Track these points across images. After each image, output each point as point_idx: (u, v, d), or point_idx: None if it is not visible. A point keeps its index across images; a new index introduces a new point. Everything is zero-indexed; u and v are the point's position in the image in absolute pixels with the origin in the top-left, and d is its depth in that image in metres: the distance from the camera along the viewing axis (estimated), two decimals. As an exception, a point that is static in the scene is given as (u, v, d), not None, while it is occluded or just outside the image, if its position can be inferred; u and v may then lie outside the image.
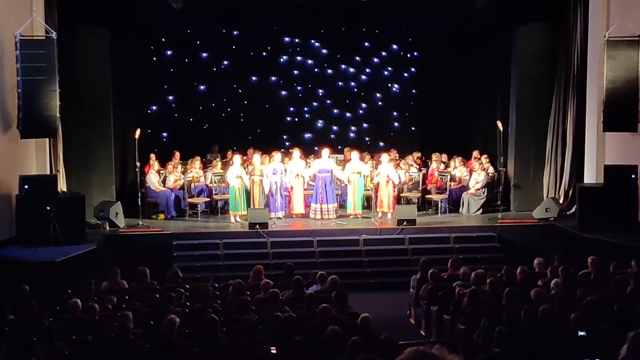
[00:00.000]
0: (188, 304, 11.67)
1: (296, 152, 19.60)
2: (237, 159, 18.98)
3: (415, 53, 23.78)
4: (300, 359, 8.33)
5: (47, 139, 17.27)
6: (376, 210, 19.00)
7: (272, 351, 8.53)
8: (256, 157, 19.38)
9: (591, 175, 18.60)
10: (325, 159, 19.22)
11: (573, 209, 18.63)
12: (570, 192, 19.19)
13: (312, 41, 23.44)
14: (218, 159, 20.81)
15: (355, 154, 19.31)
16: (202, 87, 22.89)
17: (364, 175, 19.08)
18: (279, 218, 18.77)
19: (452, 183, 20.30)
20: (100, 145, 18.83)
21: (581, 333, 8.45)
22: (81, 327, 9.97)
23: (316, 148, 21.30)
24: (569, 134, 19.36)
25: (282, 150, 21.45)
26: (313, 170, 19.11)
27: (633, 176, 16.98)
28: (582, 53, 18.90)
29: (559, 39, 19.68)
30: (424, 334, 13.03)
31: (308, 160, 20.32)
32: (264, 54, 23.18)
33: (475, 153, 20.95)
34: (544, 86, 19.85)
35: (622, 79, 17.14)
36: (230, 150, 21.46)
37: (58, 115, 16.31)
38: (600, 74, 17.60)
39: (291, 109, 23.51)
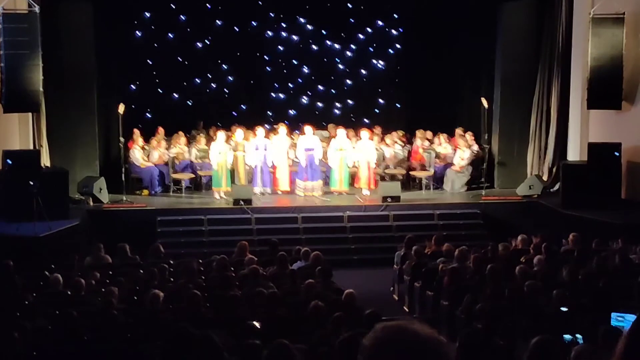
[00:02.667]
0: (172, 279, 11.67)
1: (282, 128, 19.54)
2: (220, 135, 18.91)
3: (400, 29, 23.68)
4: (285, 334, 8.33)
5: (30, 114, 17.17)
6: (354, 186, 19.03)
7: (256, 326, 8.54)
8: (239, 133, 19.32)
9: (575, 153, 18.68)
10: (310, 136, 19.15)
11: (557, 186, 18.71)
12: (554, 170, 19.26)
13: (297, 17, 23.31)
14: (202, 135, 20.73)
15: (341, 131, 19.26)
16: (186, 63, 22.71)
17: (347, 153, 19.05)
18: (262, 194, 18.74)
19: (437, 160, 20.30)
20: (83, 121, 18.70)
21: (563, 309, 8.50)
22: (65, 302, 9.96)
23: (300, 124, 21.24)
24: (554, 111, 19.40)
25: (267, 126, 21.37)
26: (301, 151, 18.94)
27: (617, 153, 17.06)
28: (567, 30, 18.91)
29: (544, 16, 19.68)
30: (407, 309, 13.09)
31: (292, 137, 20.27)
32: (249, 29, 23.01)
33: (459, 130, 20.96)
34: (528, 63, 19.86)
35: (606, 57, 17.18)
36: (214, 126, 21.40)
37: (41, 89, 16.23)
38: (585, 51, 17.63)
39: (276, 85, 23.39)
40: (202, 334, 2.92)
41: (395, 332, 2.61)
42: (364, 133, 19.32)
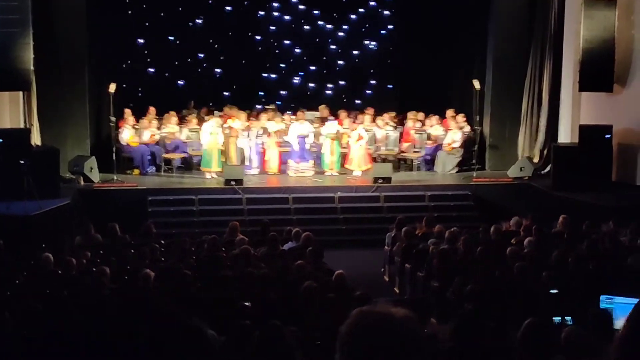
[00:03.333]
0: (163, 259, 11.67)
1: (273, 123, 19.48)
2: (214, 118, 18.92)
3: (393, 10, 23.63)
4: (276, 315, 8.36)
5: (20, 92, 17.07)
6: (343, 167, 19.08)
7: (248, 306, 8.56)
8: (237, 123, 19.16)
9: (566, 135, 18.70)
10: (303, 123, 19.15)
11: (547, 169, 18.74)
12: (545, 152, 19.29)
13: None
14: (194, 115, 20.67)
15: (333, 123, 19.30)
16: (177, 42, 22.62)
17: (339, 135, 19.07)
18: (253, 175, 18.74)
19: (428, 142, 20.30)
20: (74, 99, 18.57)
21: (553, 291, 8.53)
22: (56, 282, 9.95)
23: (292, 105, 21.21)
24: (545, 93, 19.41)
25: (258, 107, 21.40)
26: (294, 137, 18.92)
27: (607, 136, 17.09)
28: (559, 12, 18.88)
29: (536, -2, 19.67)
30: (397, 291, 13.13)
31: (284, 117, 20.26)
32: (241, 9, 22.91)
33: (450, 112, 20.90)
34: (521, 45, 19.83)
35: (598, 39, 17.17)
36: (206, 107, 21.35)
37: (32, 68, 16.15)
38: (577, 33, 17.61)
39: (267, 65, 23.33)
40: (193, 326, 2.92)
41: (371, 317, 2.61)
42: (357, 130, 19.32)
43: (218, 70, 23.06)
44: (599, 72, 17.25)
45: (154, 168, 19.50)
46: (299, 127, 19.04)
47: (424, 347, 2.60)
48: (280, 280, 9.69)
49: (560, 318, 7.50)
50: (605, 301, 7.45)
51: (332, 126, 19.19)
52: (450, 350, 5.91)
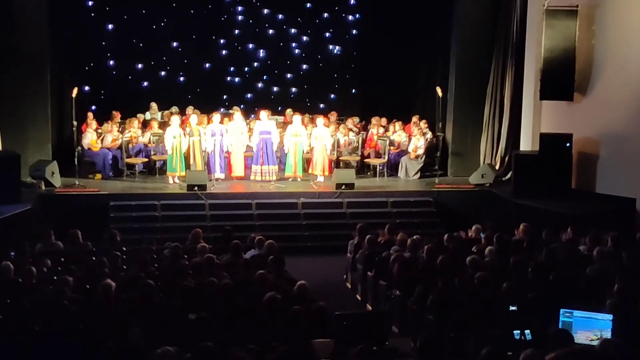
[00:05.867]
0: (125, 267, 11.58)
1: (237, 114, 19.51)
2: (175, 119, 18.79)
3: (357, 15, 23.72)
4: (237, 325, 8.35)
5: (-21, 95, 16.90)
6: (309, 173, 19.09)
7: (207, 317, 8.53)
8: (193, 118, 19.14)
9: (527, 143, 18.88)
10: (266, 121, 19.11)
11: (508, 176, 18.91)
12: (506, 159, 19.47)
13: (254, 0, 23.22)
14: (156, 119, 20.57)
15: (297, 118, 19.29)
16: (141, 45, 22.49)
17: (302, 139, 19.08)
18: (217, 180, 18.70)
19: (391, 147, 20.40)
20: (36, 102, 18.39)
21: (512, 308, 8.59)
22: (16, 291, 9.85)
23: (256, 109, 21.19)
24: (507, 101, 19.59)
25: (222, 110, 21.30)
26: (256, 136, 18.92)
27: (568, 144, 17.30)
28: (521, 20, 19.06)
29: (499, 6, 19.82)
30: (359, 298, 13.17)
31: (248, 121, 20.24)
32: (205, 12, 22.86)
33: (415, 118, 21.04)
34: (483, 52, 20.01)
35: (559, 49, 17.36)
36: (169, 112, 21.24)
37: (-8, 70, 15.98)
38: (539, 42, 17.81)
39: (232, 68, 23.30)
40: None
41: None
42: (320, 120, 19.40)
43: (181, 73, 22.98)
44: (560, 81, 17.44)
45: (114, 172, 19.37)
46: (262, 124, 18.97)
47: None
48: (242, 291, 9.67)
49: (519, 332, 7.57)
50: (564, 315, 7.54)
51: (296, 124, 19.11)
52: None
